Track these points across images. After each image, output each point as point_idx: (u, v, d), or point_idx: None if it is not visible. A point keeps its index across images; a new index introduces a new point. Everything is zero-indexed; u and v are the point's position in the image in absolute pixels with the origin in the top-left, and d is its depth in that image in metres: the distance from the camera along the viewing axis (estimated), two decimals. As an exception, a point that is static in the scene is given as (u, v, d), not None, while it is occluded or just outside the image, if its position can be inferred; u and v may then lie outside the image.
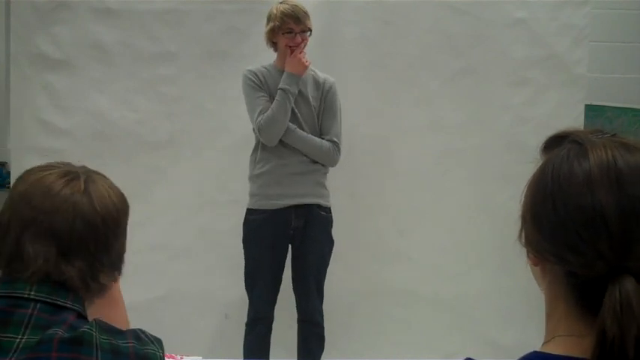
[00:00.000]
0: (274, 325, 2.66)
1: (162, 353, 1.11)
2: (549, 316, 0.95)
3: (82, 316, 1.10)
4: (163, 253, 2.96)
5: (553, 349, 0.90)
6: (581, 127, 2.68)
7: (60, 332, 1.02)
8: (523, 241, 0.96)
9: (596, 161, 0.89)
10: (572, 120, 2.91)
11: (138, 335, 1.10)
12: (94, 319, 1.08)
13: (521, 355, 0.94)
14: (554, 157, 0.94)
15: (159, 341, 1.12)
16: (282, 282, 2.67)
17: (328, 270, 2.69)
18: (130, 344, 1.06)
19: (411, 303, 2.97)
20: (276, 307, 2.66)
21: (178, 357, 1.94)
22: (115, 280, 1.18)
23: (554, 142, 0.97)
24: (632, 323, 0.82)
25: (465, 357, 0.99)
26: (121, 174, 3.09)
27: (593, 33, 3.05)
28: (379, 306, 2.99)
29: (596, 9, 3.15)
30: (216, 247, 2.95)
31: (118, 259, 1.16)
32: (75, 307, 1.09)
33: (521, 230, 0.96)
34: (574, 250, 0.88)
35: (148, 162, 2.94)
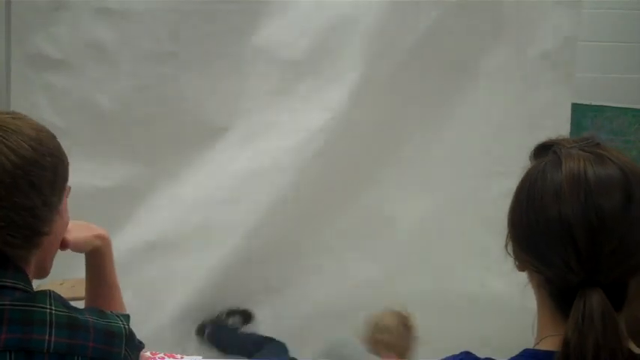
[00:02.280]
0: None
1: (128, 327, 1.06)
2: (539, 319, 0.97)
3: (27, 292, 1.04)
4: (164, 252, 2.97)
5: (542, 348, 0.93)
6: (568, 126, 2.66)
7: (6, 312, 0.96)
8: (509, 249, 0.98)
9: (567, 174, 0.90)
10: (561, 119, 2.90)
11: (99, 310, 1.06)
12: (49, 291, 1.03)
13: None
14: (532, 170, 0.96)
15: (125, 316, 1.08)
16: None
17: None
18: (89, 318, 1.02)
19: (409, 302, 2.97)
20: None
21: (179, 357, 1.95)
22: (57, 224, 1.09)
23: (540, 151, 0.99)
24: (591, 335, 0.84)
25: (462, 351, 1.01)
26: (121, 173, 3.13)
27: (593, 33, 3.05)
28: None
29: (597, 9, 3.15)
30: (217, 247, 2.97)
31: (48, 211, 1.05)
32: (18, 285, 1.03)
33: (506, 238, 0.98)
34: (546, 263, 0.90)
35: (149, 161, 2.95)
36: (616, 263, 0.87)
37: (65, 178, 1.10)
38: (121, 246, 2.91)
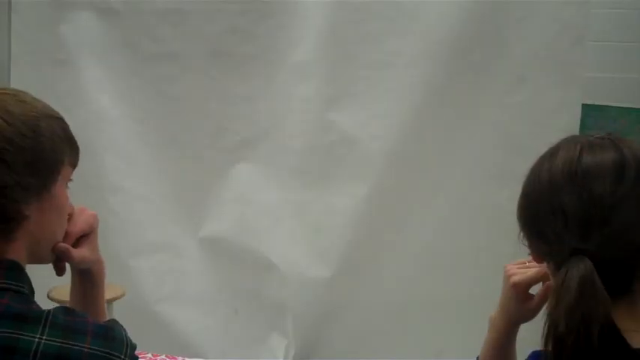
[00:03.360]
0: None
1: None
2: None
3: (20, 293, 0.99)
4: (165, 252, 2.97)
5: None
6: (577, 127, 2.70)
7: None
8: (525, 242, 1.01)
9: (562, 159, 0.95)
10: (570, 120, 2.89)
11: (107, 334, 1.00)
12: (56, 308, 0.98)
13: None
14: (536, 160, 1.00)
15: (131, 347, 1.02)
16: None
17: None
18: (85, 348, 0.96)
19: (406, 302, 2.97)
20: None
21: (179, 359, 1.94)
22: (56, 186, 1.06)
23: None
24: (565, 296, 0.86)
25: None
26: (122, 174, 3.14)
27: (596, 32, 3.04)
28: (373, 305, 2.98)
29: (601, 9, 3.14)
30: (218, 246, 2.96)
31: (22, 192, 1.01)
32: (9, 285, 0.99)
33: (520, 231, 1.01)
34: (544, 239, 0.93)
35: (150, 162, 2.95)
36: (609, 237, 0.88)
37: (56, 163, 1.07)
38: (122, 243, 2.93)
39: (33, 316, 0.95)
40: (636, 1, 3.39)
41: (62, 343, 0.94)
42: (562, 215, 0.90)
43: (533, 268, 1.12)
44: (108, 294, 1.34)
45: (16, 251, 1.02)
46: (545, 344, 0.85)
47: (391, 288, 2.97)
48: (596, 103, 3.16)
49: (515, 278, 1.15)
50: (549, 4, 2.94)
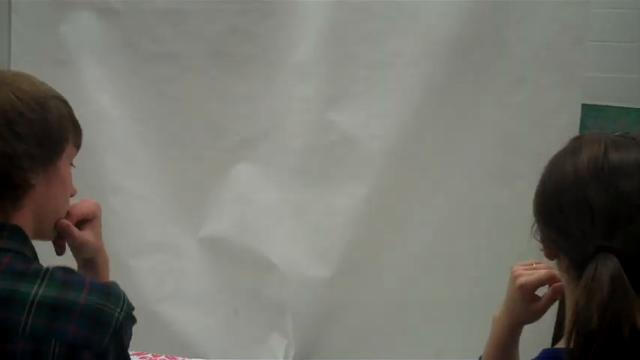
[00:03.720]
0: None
1: (124, 316, 1.02)
2: (568, 313, 0.98)
3: (21, 254, 1.03)
4: (165, 252, 2.97)
5: (564, 345, 0.93)
6: (577, 127, 2.70)
7: None
8: (537, 236, 1.01)
9: (587, 155, 0.95)
10: (570, 120, 2.89)
11: (104, 289, 1.03)
12: (55, 268, 1.02)
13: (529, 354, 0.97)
14: (557, 154, 0.99)
15: (128, 304, 1.05)
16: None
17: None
18: (80, 299, 0.98)
19: (406, 302, 2.97)
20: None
21: (179, 359, 1.95)
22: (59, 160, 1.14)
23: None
24: (597, 293, 0.86)
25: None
26: (122, 174, 3.14)
27: (596, 32, 3.04)
28: (373, 305, 2.98)
29: (601, 8, 3.14)
30: (218, 246, 2.96)
31: (30, 161, 1.08)
32: (10, 246, 1.03)
33: (533, 224, 1.01)
34: (566, 234, 0.93)
35: (150, 162, 2.95)
36: (633, 236, 0.88)
37: (61, 139, 1.18)
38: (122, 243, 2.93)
39: (32, 272, 1.00)
40: (636, 1, 3.39)
41: (58, 294, 0.97)
42: (589, 211, 0.89)
43: (541, 270, 1.12)
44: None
45: (22, 219, 1.08)
46: (568, 341, 0.85)
47: (391, 288, 2.97)
48: (596, 103, 3.16)
49: (522, 280, 1.15)
50: (549, 4, 2.93)
